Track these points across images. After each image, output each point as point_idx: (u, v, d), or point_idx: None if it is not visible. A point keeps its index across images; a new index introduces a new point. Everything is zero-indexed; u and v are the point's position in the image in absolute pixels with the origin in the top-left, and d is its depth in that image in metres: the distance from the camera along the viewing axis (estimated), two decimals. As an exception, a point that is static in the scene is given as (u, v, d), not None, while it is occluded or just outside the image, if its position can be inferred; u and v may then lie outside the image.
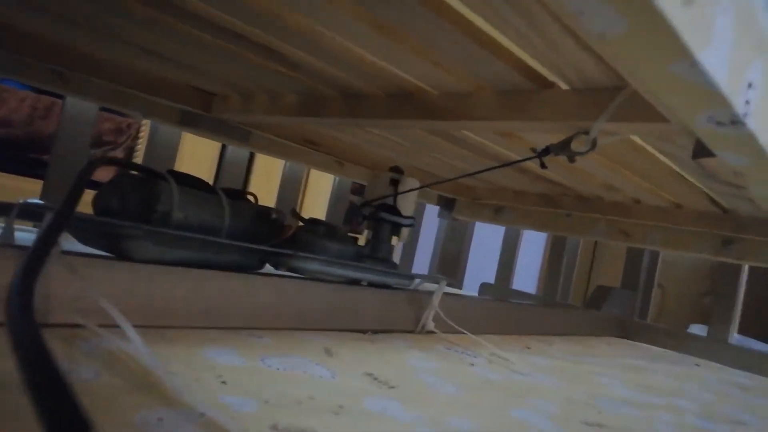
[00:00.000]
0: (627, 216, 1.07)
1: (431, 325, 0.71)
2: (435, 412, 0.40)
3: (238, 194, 0.61)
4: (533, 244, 2.03)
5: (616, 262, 1.34)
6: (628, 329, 1.18)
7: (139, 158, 1.69)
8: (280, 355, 0.46)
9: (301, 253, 0.57)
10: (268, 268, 0.61)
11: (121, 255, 0.45)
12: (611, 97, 0.50)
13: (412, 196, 0.74)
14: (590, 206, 1.12)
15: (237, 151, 1.08)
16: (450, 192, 1.34)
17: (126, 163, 0.52)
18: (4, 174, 1.53)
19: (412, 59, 0.55)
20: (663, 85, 0.28)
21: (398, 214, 0.72)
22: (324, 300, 0.59)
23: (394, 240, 0.75)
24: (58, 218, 0.38)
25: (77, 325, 0.39)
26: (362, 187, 1.17)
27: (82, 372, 0.33)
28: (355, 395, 0.40)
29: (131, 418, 0.28)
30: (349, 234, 0.70)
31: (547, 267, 1.43)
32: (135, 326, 0.36)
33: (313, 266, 0.59)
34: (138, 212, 0.48)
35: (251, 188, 1.79)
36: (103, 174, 1.16)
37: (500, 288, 1.46)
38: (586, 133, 0.51)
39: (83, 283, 0.40)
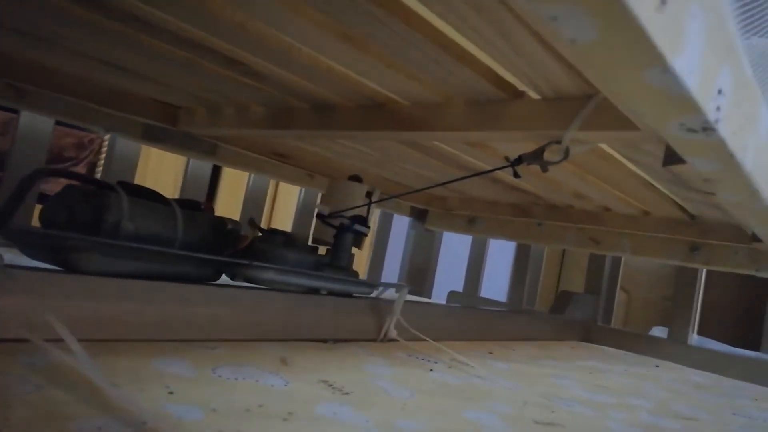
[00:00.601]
0: (597, 224, 1.09)
1: (393, 333, 0.72)
2: (386, 415, 0.40)
3: (195, 205, 0.60)
4: (503, 253, 2.05)
5: (585, 268, 1.37)
6: (591, 333, 1.20)
7: (100, 173, 1.66)
8: (232, 365, 0.45)
9: (255, 263, 0.57)
10: (224, 279, 0.60)
11: (68, 268, 0.45)
12: (582, 106, 0.51)
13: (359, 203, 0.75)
14: (561, 215, 1.14)
15: (199, 165, 1.08)
16: (422, 203, 1.35)
17: (72, 174, 0.51)
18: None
19: (381, 69, 0.55)
20: (635, 93, 0.27)
21: (367, 224, 0.73)
22: (281, 310, 0.59)
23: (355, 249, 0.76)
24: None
25: (22, 340, 0.38)
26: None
27: (22, 386, 0.32)
28: (307, 402, 0.40)
29: (68, 429, 0.27)
30: (309, 243, 0.70)
31: (513, 274, 1.45)
32: (83, 340, 0.35)
33: (269, 276, 0.59)
34: (86, 224, 0.47)
35: (218, 202, 1.77)
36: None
37: (468, 296, 1.47)
38: (559, 142, 0.52)
39: (27, 297, 0.39)
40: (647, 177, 0.75)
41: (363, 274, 1.53)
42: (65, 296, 0.42)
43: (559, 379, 0.68)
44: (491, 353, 0.80)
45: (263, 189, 1.20)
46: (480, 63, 0.51)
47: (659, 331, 1.32)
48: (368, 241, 1.40)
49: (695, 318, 1.14)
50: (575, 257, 2.60)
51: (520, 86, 0.55)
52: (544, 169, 0.54)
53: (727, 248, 0.97)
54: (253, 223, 0.64)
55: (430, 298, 1.49)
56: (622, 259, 1.34)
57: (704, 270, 1.13)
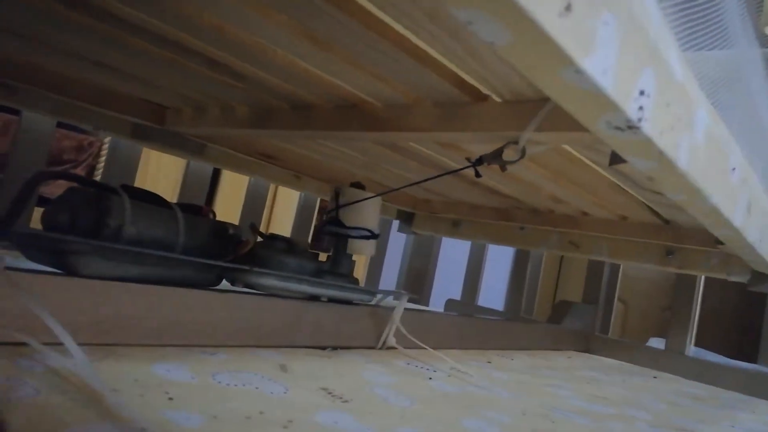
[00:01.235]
0: (576, 228, 1.11)
1: (392, 341, 0.71)
2: (386, 423, 0.40)
3: (196, 210, 0.60)
4: (501, 261, 2.05)
5: (583, 278, 1.37)
6: (588, 343, 1.20)
7: (100, 176, 1.66)
8: (232, 372, 0.45)
9: (256, 269, 0.57)
10: (225, 284, 0.60)
11: (69, 271, 0.45)
12: (540, 108, 0.53)
13: (367, 209, 0.74)
14: (542, 219, 1.15)
15: (199, 167, 1.08)
16: (408, 206, 1.36)
17: (74, 177, 0.51)
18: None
19: (350, 71, 0.56)
20: (559, 91, 0.29)
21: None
22: (281, 316, 0.59)
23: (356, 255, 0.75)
24: None
25: (22, 343, 0.38)
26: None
27: (20, 389, 0.32)
28: (306, 409, 0.40)
29: (67, 435, 0.27)
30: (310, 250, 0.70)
31: (510, 282, 1.45)
32: (84, 344, 0.35)
33: (270, 282, 0.59)
34: (88, 227, 0.47)
35: (217, 205, 1.77)
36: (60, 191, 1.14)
37: (466, 304, 1.47)
38: (516, 142, 0.53)
39: (27, 300, 0.39)
40: (613, 179, 0.76)
41: (361, 281, 1.53)
42: (66, 300, 0.42)
43: (558, 389, 0.68)
44: (490, 362, 0.80)
45: (263, 192, 1.20)
46: (444, 67, 0.52)
47: (656, 342, 1.32)
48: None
49: (693, 329, 1.14)
50: (573, 266, 2.60)
51: (484, 90, 0.57)
52: (503, 169, 0.55)
53: (701, 253, 0.98)
54: (255, 229, 0.64)
55: (428, 305, 1.49)
56: (621, 268, 1.34)
57: (702, 280, 1.14)
